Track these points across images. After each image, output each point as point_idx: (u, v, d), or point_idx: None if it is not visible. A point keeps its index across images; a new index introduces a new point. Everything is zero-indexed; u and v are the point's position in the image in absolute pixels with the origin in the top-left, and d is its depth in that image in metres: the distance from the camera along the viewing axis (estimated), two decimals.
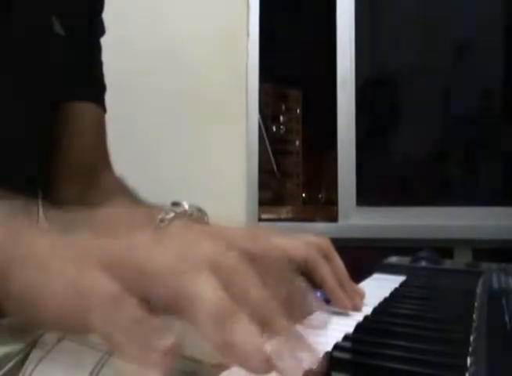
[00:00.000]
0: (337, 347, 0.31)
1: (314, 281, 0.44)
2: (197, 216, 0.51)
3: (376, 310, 0.43)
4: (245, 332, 0.24)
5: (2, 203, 0.30)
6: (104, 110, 0.69)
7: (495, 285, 0.55)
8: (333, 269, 0.45)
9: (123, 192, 0.66)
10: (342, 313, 0.44)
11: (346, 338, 0.34)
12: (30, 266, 0.26)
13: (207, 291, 0.24)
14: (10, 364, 0.49)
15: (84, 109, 0.66)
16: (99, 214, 0.55)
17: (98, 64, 0.70)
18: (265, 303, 0.26)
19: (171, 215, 0.48)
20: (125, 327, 0.22)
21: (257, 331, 0.24)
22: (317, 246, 0.45)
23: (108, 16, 0.70)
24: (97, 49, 0.70)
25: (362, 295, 0.47)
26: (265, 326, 0.25)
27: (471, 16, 1.83)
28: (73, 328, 0.25)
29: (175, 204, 0.50)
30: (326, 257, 0.45)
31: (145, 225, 0.48)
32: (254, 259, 0.28)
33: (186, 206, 0.50)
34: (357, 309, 0.45)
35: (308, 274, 0.44)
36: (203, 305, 0.24)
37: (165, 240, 0.28)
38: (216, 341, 0.23)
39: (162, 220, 0.47)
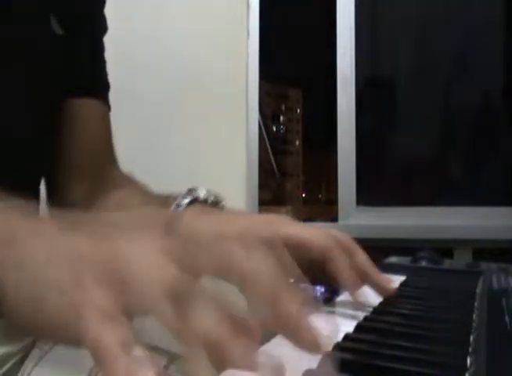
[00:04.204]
0: (336, 347, 0.31)
1: (328, 273, 0.43)
2: (213, 201, 0.51)
3: (376, 310, 0.42)
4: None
5: (2, 203, 0.30)
6: (108, 107, 0.69)
7: (495, 285, 0.55)
8: (356, 265, 0.44)
9: (133, 186, 0.65)
10: (341, 313, 0.44)
11: (346, 337, 0.34)
12: (25, 271, 0.25)
13: (207, 317, 0.24)
14: (9, 364, 0.49)
15: (87, 107, 0.66)
16: (111, 206, 0.54)
17: (100, 63, 0.69)
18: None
19: (188, 199, 0.48)
20: (111, 345, 0.22)
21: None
22: (338, 239, 0.44)
23: (107, 15, 0.70)
24: (99, 48, 0.69)
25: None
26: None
27: (471, 16, 1.83)
28: (65, 339, 0.25)
29: (191, 189, 0.50)
30: (348, 252, 0.44)
31: (159, 214, 0.47)
32: (270, 248, 0.28)
33: (203, 191, 0.50)
34: (390, 291, 0.44)
35: (322, 265, 0.42)
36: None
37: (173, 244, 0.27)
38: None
39: (178, 205, 0.47)
